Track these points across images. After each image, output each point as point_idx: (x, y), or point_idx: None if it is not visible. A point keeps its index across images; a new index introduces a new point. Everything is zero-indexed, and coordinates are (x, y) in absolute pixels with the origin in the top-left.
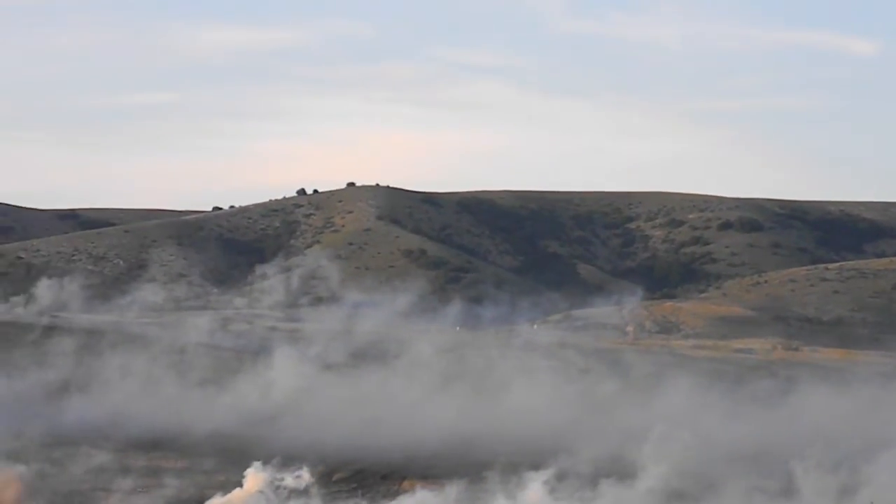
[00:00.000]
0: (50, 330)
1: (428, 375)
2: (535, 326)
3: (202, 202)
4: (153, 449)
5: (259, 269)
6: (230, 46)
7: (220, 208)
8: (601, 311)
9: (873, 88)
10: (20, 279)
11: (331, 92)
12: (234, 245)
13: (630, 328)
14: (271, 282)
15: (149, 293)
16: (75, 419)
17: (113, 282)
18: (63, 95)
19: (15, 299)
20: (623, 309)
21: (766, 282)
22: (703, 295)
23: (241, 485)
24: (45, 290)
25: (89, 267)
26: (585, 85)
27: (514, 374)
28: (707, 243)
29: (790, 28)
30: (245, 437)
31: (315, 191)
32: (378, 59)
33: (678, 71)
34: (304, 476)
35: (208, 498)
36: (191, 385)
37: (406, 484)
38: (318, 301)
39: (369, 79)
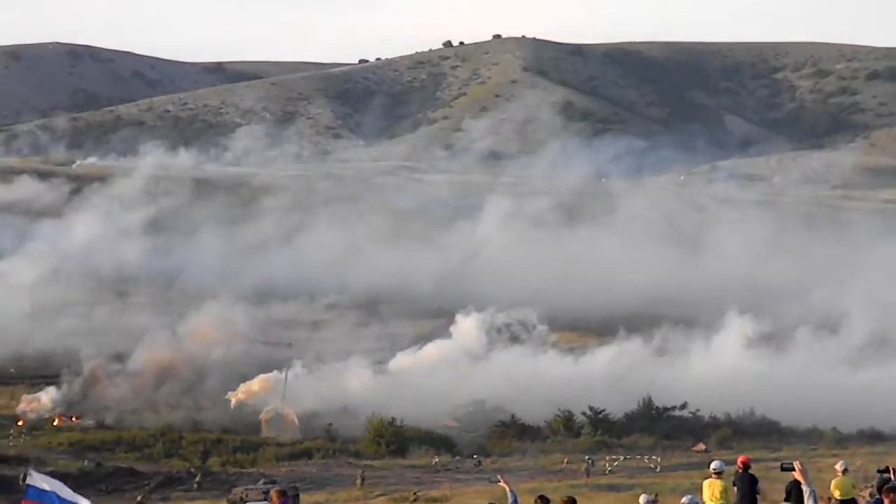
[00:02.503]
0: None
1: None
2: (682, 178)
3: (349, 55)
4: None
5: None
6: None
7: (367, 61)
8: (748, 161)
9: None
10: (167, 132)
11: None
12: (381, 97)
13: None
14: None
15: (295, 146)
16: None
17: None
18: None
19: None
20: (770, 160)
21: None
22: (850, 145)
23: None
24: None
25: (237, 120)
26: None
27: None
28: (855, 93)
29: None
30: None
31: (461, 43)
32: None
33: None
34: (531, 317)
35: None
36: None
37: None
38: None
39: None
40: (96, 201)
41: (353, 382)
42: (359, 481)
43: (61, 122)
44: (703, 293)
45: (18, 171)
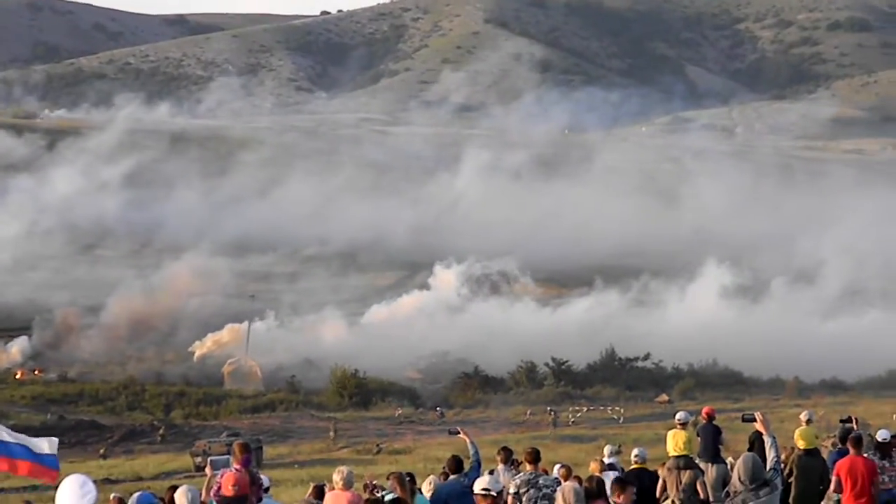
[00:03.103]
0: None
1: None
2: (644, 129)
3: (310, 6)
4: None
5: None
6: None
7: (328, 13)
8: (710, 112)
9: None
10: (129, 84)
11: None
12: (343, 49)
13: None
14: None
15: (258, 98)
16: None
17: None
18: None
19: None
20: (732, 111)
21: (875, 82)
22: (812, 96)
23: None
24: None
25: (199, 72)
26: None
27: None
28: (816, 44)
29: None
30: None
31: None
32: None
33: None
34: (511, 266)
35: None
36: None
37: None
38: (426, 105)
39: None
40: (71, 155)
41: (324, 334)
42: (332, 433)
43: (21, 74)
44: (680, 245)
45: None
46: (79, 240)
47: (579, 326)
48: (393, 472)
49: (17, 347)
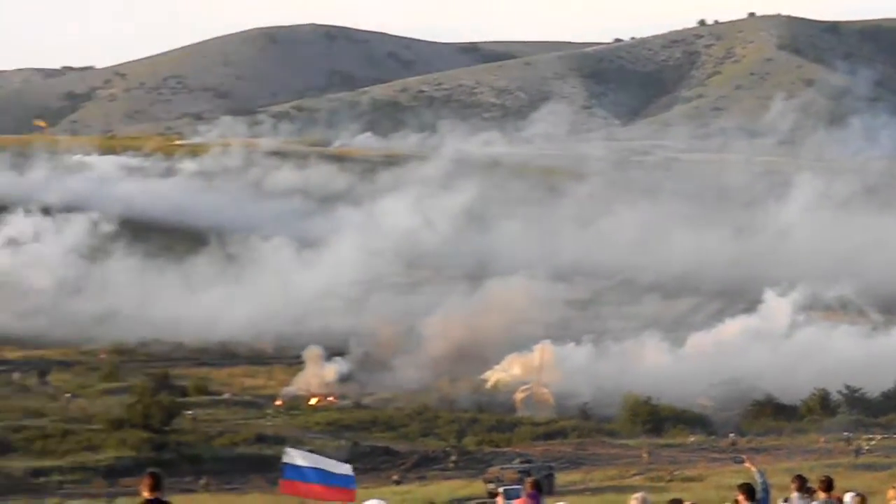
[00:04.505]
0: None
1: None
2: None
3: (603, 34)
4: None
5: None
6: None
7: (621, 40)
8: None
9: None
10: (422, 113)
11: None
12: (635, 76)
13: None
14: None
15: (550, 125)
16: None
17: (514, 114)
18: None
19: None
20: None
21: None
22: None
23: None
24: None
25: (491, 100)
26: None
27: None
28: None
29: None
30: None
31: (715, 21)
32: None
33: None
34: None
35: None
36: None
37: None
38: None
39: None
40: (395, 184)
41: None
42: (645, 455)
43: (315, 102)
44: None
45: (303, 155)
46: (408, 267)
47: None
48: (674, 499)
49: (334, 368)
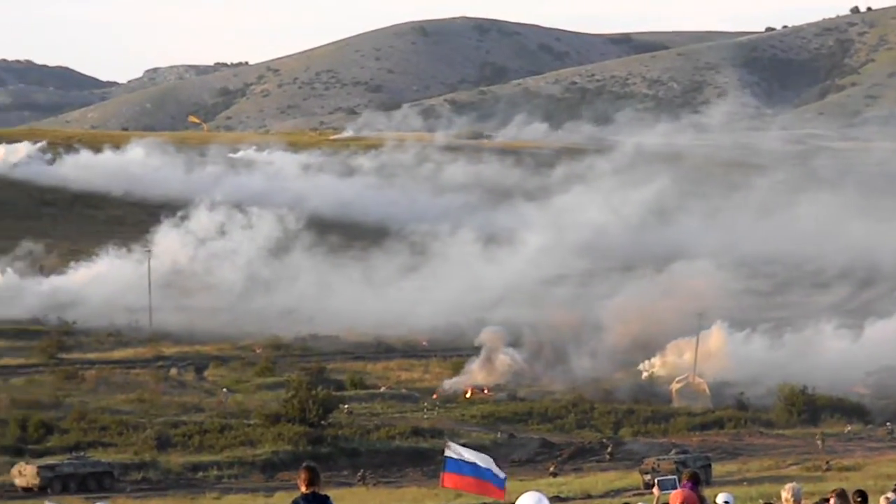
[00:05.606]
0: None
1: None
2: None
3: (756, 23)
4: None
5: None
6: None
7: (774, 29)
8: None
9: None
10: (575, 104)
11: None
12: (788, 65)
13: None
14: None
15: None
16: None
17: (667, 105)
18: None
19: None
20: None
21: None
22: None
23: None
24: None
25: (644, 90)
26: None
27: None
28: None
29: None
30: None
31: (868, 8)
32: None
33: None
34: None
35: None
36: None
37: None
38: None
39: None
40: (576, 177)
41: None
42: (820, 443)
43: (469, 95)
44: None
45: (477, 149)
46: (592, 262)
47: None
48: (838, 489)
49: (508, 359)
